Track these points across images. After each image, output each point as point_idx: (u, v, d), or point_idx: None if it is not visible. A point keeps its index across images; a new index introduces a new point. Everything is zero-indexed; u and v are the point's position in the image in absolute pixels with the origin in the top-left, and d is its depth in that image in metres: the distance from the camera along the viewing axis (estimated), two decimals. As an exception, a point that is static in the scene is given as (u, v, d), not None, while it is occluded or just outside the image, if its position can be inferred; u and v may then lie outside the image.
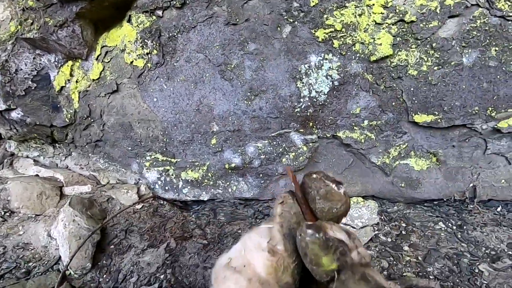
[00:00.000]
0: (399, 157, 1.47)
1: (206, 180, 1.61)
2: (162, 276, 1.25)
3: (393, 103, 1.43)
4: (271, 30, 1.42)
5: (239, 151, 1.54)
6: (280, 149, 1.51)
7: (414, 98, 1.40)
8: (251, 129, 1.51)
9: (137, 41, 1.52)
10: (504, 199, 1.40)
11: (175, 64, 1.52)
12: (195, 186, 1.63)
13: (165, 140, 1.64)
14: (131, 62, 1.56)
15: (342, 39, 1.40)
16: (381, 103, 1.44)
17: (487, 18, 1.29)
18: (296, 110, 1.47)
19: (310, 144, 1.50)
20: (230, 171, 1.58)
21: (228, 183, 1.60)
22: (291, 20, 1.39)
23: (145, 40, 1.51)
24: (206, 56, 1.49)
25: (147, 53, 1.52)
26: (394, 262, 1.14)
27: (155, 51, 1.52)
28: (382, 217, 1.39)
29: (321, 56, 1.43)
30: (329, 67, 1.44)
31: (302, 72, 1.45)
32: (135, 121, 1.65)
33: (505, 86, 1.31)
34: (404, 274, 1.09)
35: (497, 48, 1.30)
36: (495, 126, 1.34)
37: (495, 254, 1.12)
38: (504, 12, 1.27)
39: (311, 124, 1.50)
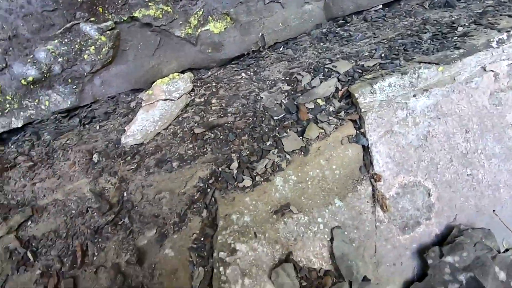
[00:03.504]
0: (199, 25, 1.56)
1: (7, 105, 1.41)
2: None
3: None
4: None
5: (29, 60, 1.34)
6: (76, 46, 1.39)
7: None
8: (30, 30, 1.30)
9: None
10: (283, 39, 1.72)
11: None
12: (-3, 116, 1.42)
13: None
14: None
15: None
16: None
17: None
18: (75, -4, 1.30)
19: (108, 32, 1.41)
20: (31, 86, 1.40)
21: (37, 100, 1.45)
22: None
23: None
24: None
25: None
26: (204, 115, 1.37)
27: None
28: (198, 84, 1.56)
29: None
30: None
31: None
32: None
33: None
34: (210, 119, 1.33)
35: None
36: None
37: (273, 83, 1.45)
38: None
39: (101, 9, 1.38)
